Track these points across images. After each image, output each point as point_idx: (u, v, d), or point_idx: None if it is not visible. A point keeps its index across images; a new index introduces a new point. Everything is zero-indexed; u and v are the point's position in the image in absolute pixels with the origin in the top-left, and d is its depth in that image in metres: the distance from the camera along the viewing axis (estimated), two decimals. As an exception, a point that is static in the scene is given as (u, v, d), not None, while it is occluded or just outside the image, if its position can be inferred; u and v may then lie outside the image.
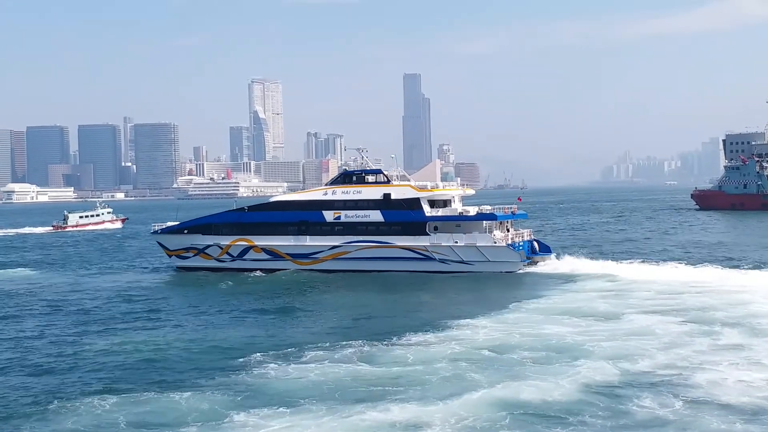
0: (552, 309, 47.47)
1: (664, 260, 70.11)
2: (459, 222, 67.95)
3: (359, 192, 69.66)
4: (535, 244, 70.40)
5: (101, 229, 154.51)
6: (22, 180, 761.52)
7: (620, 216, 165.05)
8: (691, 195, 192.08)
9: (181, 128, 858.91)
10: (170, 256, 76.18)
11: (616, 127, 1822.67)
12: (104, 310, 52.97)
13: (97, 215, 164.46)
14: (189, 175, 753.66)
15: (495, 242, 66.32)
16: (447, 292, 58.01)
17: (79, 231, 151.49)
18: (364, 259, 68.66)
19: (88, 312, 52.26)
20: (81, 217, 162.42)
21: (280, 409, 28.88)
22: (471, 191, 78.05)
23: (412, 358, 35.75)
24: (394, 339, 40.14)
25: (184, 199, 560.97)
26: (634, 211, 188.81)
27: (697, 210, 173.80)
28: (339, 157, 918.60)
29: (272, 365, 35.00)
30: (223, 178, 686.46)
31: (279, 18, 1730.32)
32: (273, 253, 71.38)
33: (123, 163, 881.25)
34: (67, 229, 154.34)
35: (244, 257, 72.16)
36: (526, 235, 70.68)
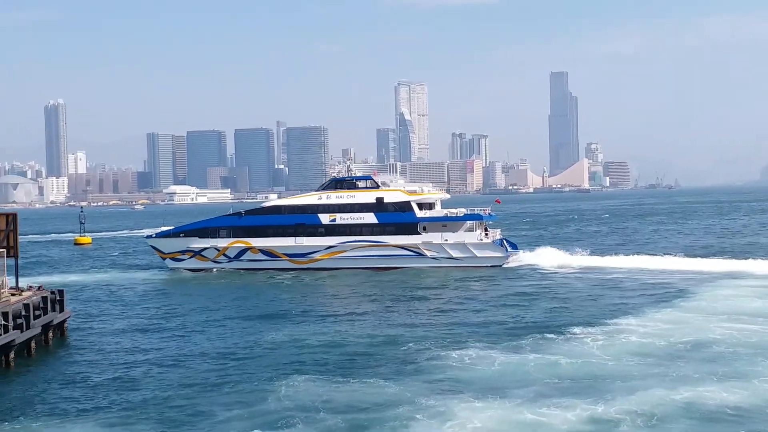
0: (718, 308, 47.06)
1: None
2: (446, 222, 75.15)
3: (353, 196, 76.43)
4: (504, 242, 77.25)
5: None
6: (182, 182, 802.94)
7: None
8: None
9: (330, 131, 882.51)
10: (164, 259, 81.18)
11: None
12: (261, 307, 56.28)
13: None
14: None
15: (481, 239, 73.41)
16: (577, 291, 58.12)
17: None
18: (359, 257, 75.19)
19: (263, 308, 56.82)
20: None
21: (472, 396, 30.11)
22: (447, 195, 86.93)
23: (598, 352, 36.31)
24: (562, 333, 40.91)
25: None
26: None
27: None
28: (484, 158, 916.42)
29: (452, 355, 36.57)
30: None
31: (419, 22, 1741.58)
32: (270, 254, 77.24)
33: (276, 165, 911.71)
34: None
35: (240, 258, 77.88)
36: (498, 234, 78.01)
